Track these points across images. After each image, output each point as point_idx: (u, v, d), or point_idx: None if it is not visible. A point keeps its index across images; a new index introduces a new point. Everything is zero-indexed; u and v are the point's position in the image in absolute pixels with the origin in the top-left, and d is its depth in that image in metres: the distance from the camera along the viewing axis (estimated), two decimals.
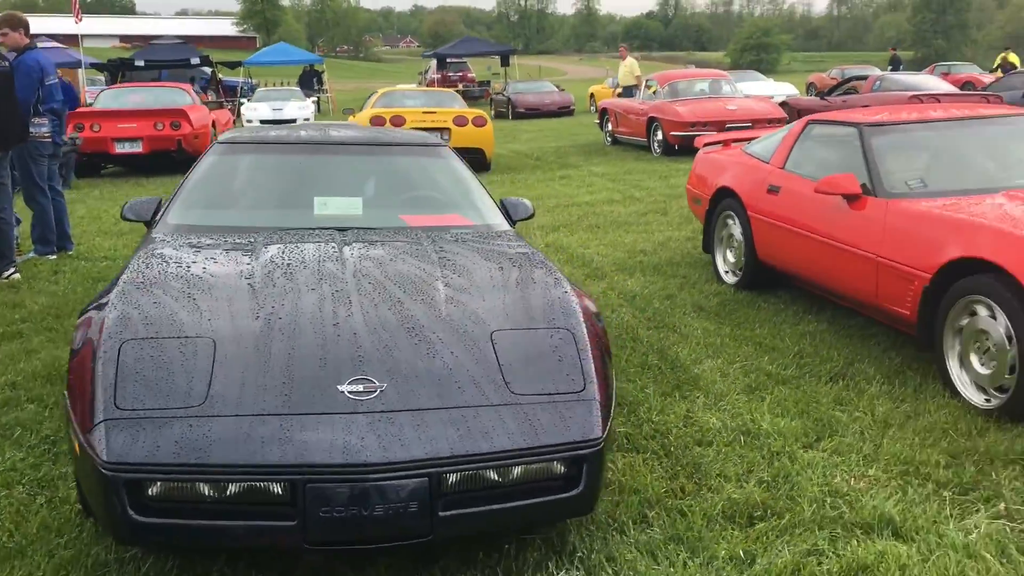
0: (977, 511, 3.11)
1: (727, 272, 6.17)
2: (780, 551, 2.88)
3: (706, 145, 6.86)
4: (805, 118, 5.75)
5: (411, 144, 4.71)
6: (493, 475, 2.60)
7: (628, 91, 17.47)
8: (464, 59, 35.85)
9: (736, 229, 5.98)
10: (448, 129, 12.16)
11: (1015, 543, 2.89)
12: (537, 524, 2.85)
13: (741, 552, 2.87)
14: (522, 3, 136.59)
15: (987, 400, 3.89)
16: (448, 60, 34.88)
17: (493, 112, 27.93)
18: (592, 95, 26.99)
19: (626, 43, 28.00)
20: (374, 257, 3.48)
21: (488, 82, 33.99)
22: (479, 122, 12.28)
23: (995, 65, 25.73)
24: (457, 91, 33.40)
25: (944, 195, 4.53)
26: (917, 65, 45.04)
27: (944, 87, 14.38)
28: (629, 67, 17.94)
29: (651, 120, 13.77)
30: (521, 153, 15.61)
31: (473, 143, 12.19)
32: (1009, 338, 3.72)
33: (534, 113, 25.23)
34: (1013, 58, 27.41)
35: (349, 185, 4.35)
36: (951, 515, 3.08)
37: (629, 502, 3.20)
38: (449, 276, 3.31)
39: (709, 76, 14.88)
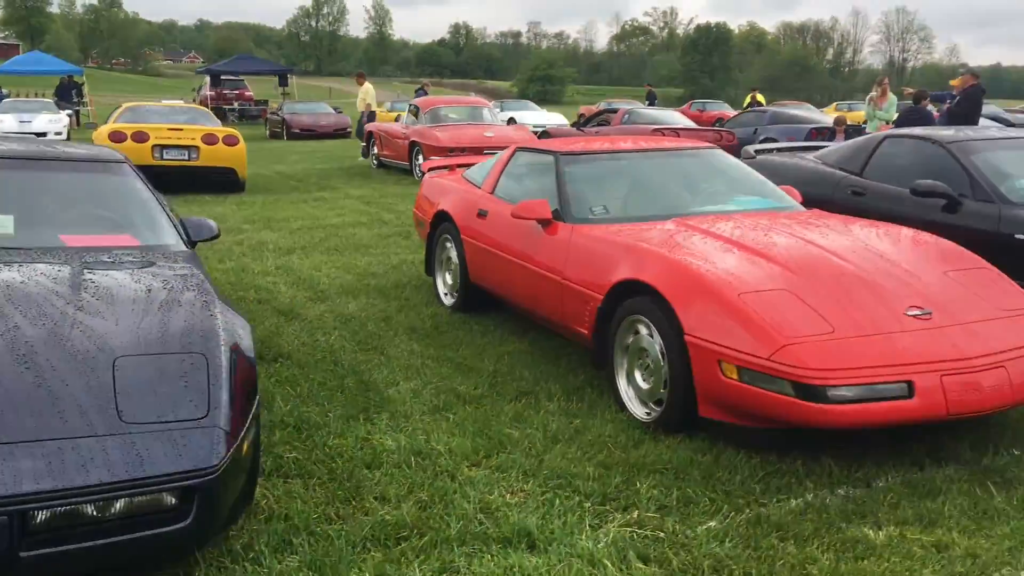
0: (613, 519, 3.27)
1: (446, 294, 6.26)
2: (413, 570, 2.90)
3: (431, 169, 6.96)
4: (514, 145, 5.95)
5: (84, 160, 4.43)
6: (91, 510, 2.44)
7: (370, 116, 17.54)
8: (241, 77, 34.74)
9: (453, 252, 6.08)
10: (196, 147, 11.68)
11: (637, 549, 3.06)
12: (145, 560, 2.71)
13: (373, 574, 2.87)
14: (313, 24, 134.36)
15: (648, 413, 4.14)
16: (223, 77, 33.68)
17: (268, 132, 27.27)
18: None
19: (364, 70, 28.16)
20: (4, 280, 3.22)
21: (266, 101, 33.11)
22: (230, 141, 11.88)
23: (745, 104, 28.02)
24: (232, 110, 32.60)
25: (623, 221, 4.82)
26: (681, 101, 48.25)
27: (684, 121, 15.48)
28: (364, 93, 17.79)
29: (412, 144, 13.88)
30: (284, 174, 15.27)
31: (224, 162, 11.78)
32: (663, 354, 3.98)
33: (309, 134, 24.81)
34: (760, 98, 29.96)
35: (2, 202, 4.02)
36: (588, 525, 3.23)
37: (274, 530, 3.12)
38: (85, 300, 3.12)
39: (469, 103, 15.23)
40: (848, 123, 14.78)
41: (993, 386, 3.60)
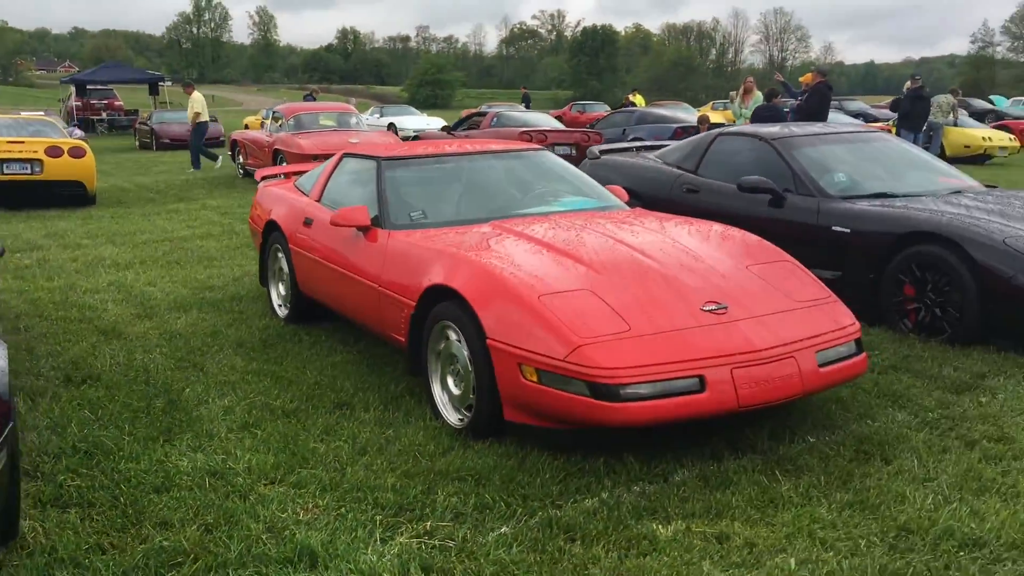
0: (404, 531, 3.21)
1: (280, 305, 6.10)
2: None
3: (264, 178, 6.78)
4: (341, 152, 5.84)
5: None
6: None
7: (200, 127, 16.85)
8: (111, 86, 33.41)
9: (284, 262, 5.92)
10: (40, 160, 11.12)
11: (422, 560, 3.00)
12: None
13: None
14: (195, 31, 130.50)
15: (461, 420, 4.10)
16: (89, 87, 32.32)
17: (138, 143, 26.30)
18: (247, 126, 26.25)
19: (249, 77, 27.29)
20: None
21: (137, 111, 31.91)
22: (76, 153, 11.35)
23: (621, 105, 28.49)
24: (101, 121, 31.35)
25: (440, 226, 4.77)
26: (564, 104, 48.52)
27: (552, 123, 15.61)
28: (193, 103, 16.87)
29: (276, 152, 13.57)
30: (144, 186, 14.72)
31: (71, 175, 11.25)
32: (470, 359, 3.94)
33: (181, 144, 23.98)
34: (639, 99, 30.54)
35: None
36: (378, 538, 3.15)
37: (35, 564, 2.94)
38: None
39: (335, 110, 14.99)
40: (711, 122, 15.17)
41: (783, 377, 3.69)
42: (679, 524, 3.23)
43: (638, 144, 8.62)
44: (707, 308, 3.86)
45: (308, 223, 5.53)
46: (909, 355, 5.04)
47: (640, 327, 3.70)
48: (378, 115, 29.24)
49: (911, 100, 15.81)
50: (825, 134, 6.69)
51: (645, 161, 7.53)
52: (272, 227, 6.02)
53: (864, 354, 4.06)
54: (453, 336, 4.09)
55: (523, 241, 4.40)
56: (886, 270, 5.45)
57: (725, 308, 3.88)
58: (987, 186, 6.46)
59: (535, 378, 3.65)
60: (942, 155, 18.52)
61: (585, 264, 4.11)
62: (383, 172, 5.13)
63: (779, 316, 3.93)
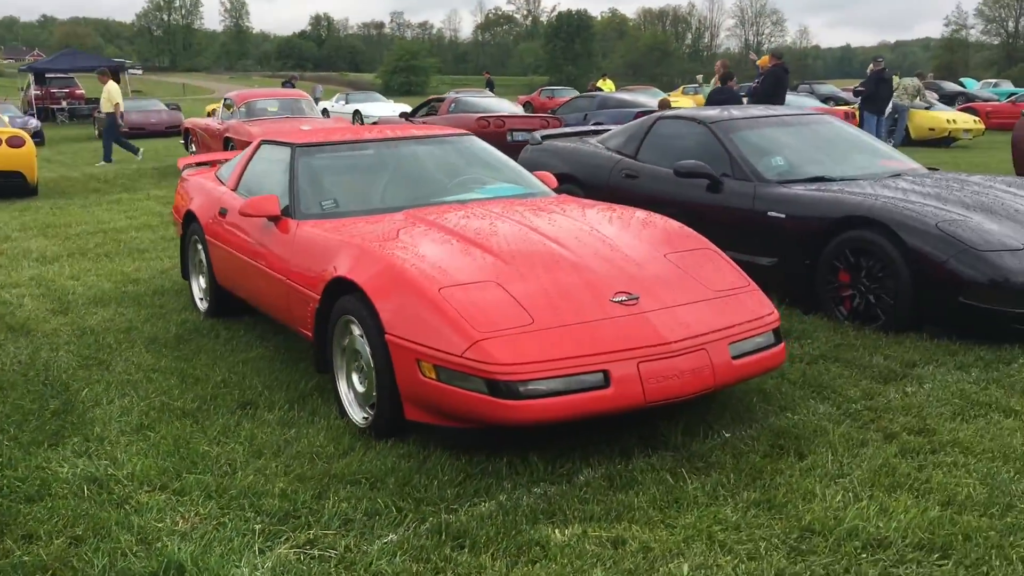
0: (285, 541, 3.03)
1: (201, 299, 5.89)
2: None
3: (186, 167, 6.54)
4: (259, 139, 5.62)
5: None
6: None
7: (111, 118, 16.21)
8: (71, 74, 32.77)
9: (203, 254, 5.71)
10: None
11: (299, 572, 2.83)
12: None
13: None
14: (165, 18, 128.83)
15: (365, 418, 3.92)
16: (48, 76, 31.70)
17: (97, 132, 25.77)
18: (210, 113, 25.81)
19: (224, 64, 26.68)
20: None
21: (98, 99, 31.26)
22: (15, 143, 11.02)
23: (589, 90, 28.27)
24: (61, 110, 30.76)
25: (353, 215, 4.57)
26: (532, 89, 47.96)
27: (511, 109, 15.40)
28: (107, 93, 16.24)
29: (227, 140, 13.28)
30: (92, 176, 14.38)
31: (9, 166, 10.93)
32: (372, 355, 3.76)
33: (140, 132, 23.58)
34: (608, 84, 30.33)
35: None
36: (257, 549, 2.97)
37: None
38: None
39: (288, 96, 14.69)
40: (672, 106, 15.00)
41: (693, 370, 3.53)
42: (576, 528, 3.07)
43: (581, 129, 8.43)
44: (616, 299, 3.69)
45: (223, 213, 5.32)
46: (841, 344, 4.90)
47: (544, 320, 3.53)
48: (343, 102, 28.89)
49: (874, 82, 15.71)
50: (765, 117, 6.53)
51: (586, 146, 7.34)
52: (190, 218, 5.80)
53: (782, 344, 3.91)
54: (356, 331, 3.90)
55: (433, 231, 4.22)
56: (821, 256, 5.30)
57: (636, 299, 3.71)
58: (929, 168, 6.33)
59: (433, 375, 3.47)
60: (907, 138, 18.49)
61: (494, 254, 3.93)
62: (297, 159, 4.92)
63: (692, 306, 3.77)
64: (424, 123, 14.56)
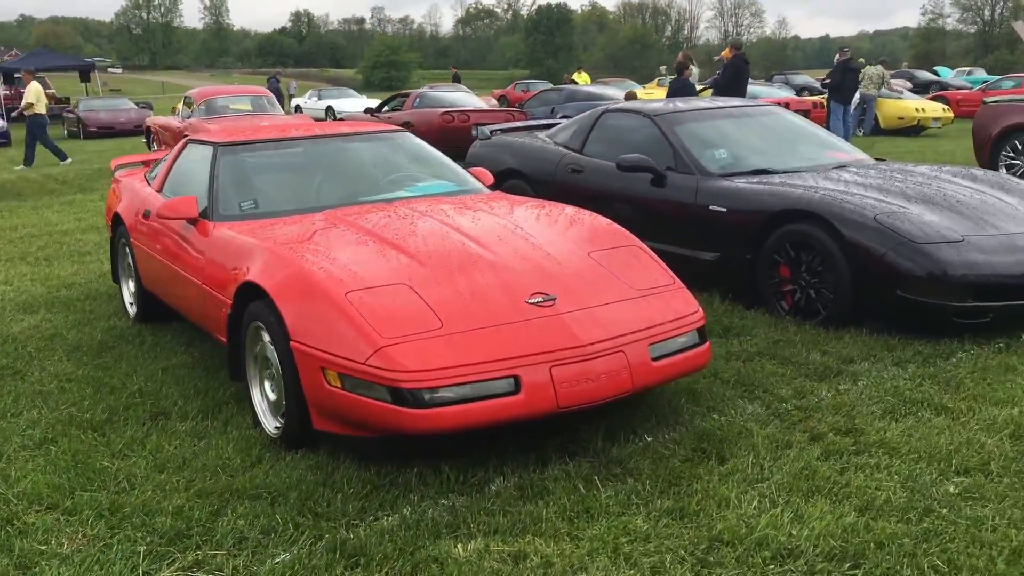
0: (173, 562, 2.88)
1: (131, 304, 5.72)
2: None
3: (118, 168, 6.35)
4: (186, 138, 5.45)
5: None
6: None
7: (36, 119, 15.69)
8: (41, 74, 32.27)
9: (131, 258, 5.54)
10: None
11: None
12: None
13: None
14: (144, 16, 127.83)
15: (277, 428, 3.77)
16: (16, 76, 31.22)
17: (66, 131, 25.48)
18: (174, 111, 25.52)
19: (206, 61, 26.37)
20: None
21: (68, 99, 30.95)
22: None
23: (562, 83, 28.10)
24: None
25: (271, 216, 4.42)
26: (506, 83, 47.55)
27: (475, 103, 15.23)
28: (28, 94, 15.69)
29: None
30: (51, 176, 14.13)
31: None
32: (280, 363, 3.61)
33: (108, 132, 23.30)
34: (582, 78, 30.14)
35: None
36: (142, 572, 2.83)
37: None
38: None
39: (249, 93, 14.48)
40: (638, 98, 14.87)
41: (610, 373, 3.40)
42: (479, 542, 2.94)
43: (532, 123, 8.29)
44: (532, 300, 3.55)
45: (147, 215, 5.15)
46: (781, 340, 4.79)
47: (454, 324, 3.39)
48: (316, 98, 28.63)
49: (841, 72, 15.63)
50: (711, 109, 6.41)
51: (534, 141, 7.20)
52: (118, 220, 5.63)
53: (707, 344, 3.79)
54: (266, 337, 3.75)
55: (351, 232, 4.06)
56: (762, 250, 5.19)
57: (553, 299, 3.57)
58: (877, 159, 6.22)
59: (338, 383, 3.33)
60: (877, 127, 18.45)
61: (410, 255, 3.79)
62: (218, 159, 4.76)
63: (612, 307, 3.63)
64: (390, 119, 14.38)
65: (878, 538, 2.83)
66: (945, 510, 2.99)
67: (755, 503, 3.09)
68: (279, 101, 19.98)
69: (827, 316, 4.89)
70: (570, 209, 4.54)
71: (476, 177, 5.18)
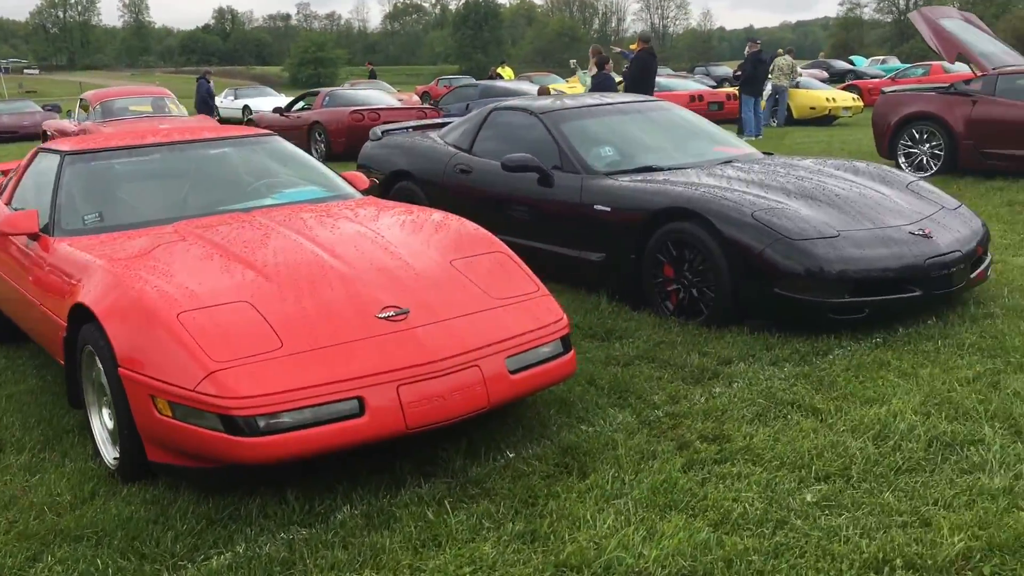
0: None
1: None
2: None
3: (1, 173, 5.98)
4: (37, 148, 5.12)
5: None
6: None
7: None
8: None
9: None
10: None
11: None
12: None
13: None
14: (61, 15, 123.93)
15: (116, 459, 3.51)
16: None
17: None
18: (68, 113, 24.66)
19: (127, 60, 25.57)
20: None
21: None
22: None
23: (488, 77, 27.91)
24: None
25: (117, 230, 4.14)
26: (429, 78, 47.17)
27: (387, 101, 14.95)
28: None
29: None
30: None
31: None
32: (111, 390, 3.35)
33: (12, 136, 22.38)
34: (506, 72, 29.96)
35: None
36: None
37: None
38: None
39: (150, 94, 13.98)
40: (553, 92, 14.77)
41: (463, 389, 3.23)
42: None
43: (423, 123, 8.08)
44: (383, 315, 3.36)
45: None
46: (663, 342, 4.68)
47: (295, 344, 3.18)
48: (232, 97, 27.92)
49: (752, 64, 15.74)
50: (599, 106, 6.28)
51: (424, 141, 6.99)
52: None
53: (572, 353, 3.65)
54: (99, 363, 3.49)
55: (197, 246, 3.82)
56: (646, 250, 5.07)
57: (406, 313, 3.39)
58: (765, 153, 6.16)
59: (169, 412, 3.09)
60: (790, 117, 18.66)
61: (256, 269, 3.56)
62: (64, 169, 4.46)
63: (468, 318, 3.46)
64: (299, 118, 14.02)
65: (728, 555, 2.72)
66: (800, 521, 2.89)
67: (609, 521, 2.95)
68: (210, 101, 19.41)
69: (709, 315, 4.80)
70: (437, 215, 4.35)
71: (350, 182, 4.96)
